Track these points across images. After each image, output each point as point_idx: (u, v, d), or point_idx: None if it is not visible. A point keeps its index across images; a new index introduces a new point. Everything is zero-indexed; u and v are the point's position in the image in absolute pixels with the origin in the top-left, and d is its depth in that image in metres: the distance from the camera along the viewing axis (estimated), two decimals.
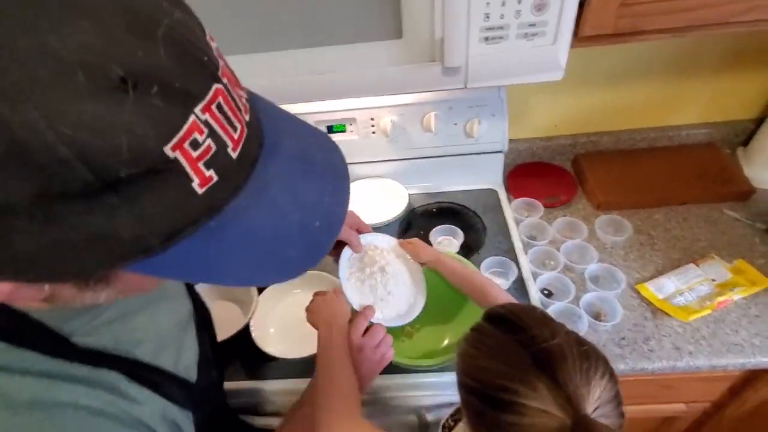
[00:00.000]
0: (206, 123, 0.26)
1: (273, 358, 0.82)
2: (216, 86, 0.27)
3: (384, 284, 0.74)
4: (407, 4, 0.63)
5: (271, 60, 0.69)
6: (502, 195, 1.12)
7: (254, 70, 0.70)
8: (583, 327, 0.82)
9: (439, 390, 0.81)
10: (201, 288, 0.92)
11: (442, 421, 0.75)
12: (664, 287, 0.88)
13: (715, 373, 0.82)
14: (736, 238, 0.97)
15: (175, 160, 0.24)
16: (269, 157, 0.31)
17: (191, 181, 0.25)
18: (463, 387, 0.48)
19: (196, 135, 0.25)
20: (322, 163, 0.36)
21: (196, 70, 0.26)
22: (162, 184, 0.24)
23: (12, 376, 0.33)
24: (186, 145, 0.25)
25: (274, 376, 0.82)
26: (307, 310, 0.72)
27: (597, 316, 0.85)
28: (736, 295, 0.85)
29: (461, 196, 1.13)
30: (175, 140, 0.24)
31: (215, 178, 0.26)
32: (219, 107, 0.27)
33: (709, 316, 0.83)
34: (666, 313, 0.85)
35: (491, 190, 1.14)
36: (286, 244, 0.32)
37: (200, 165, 0.25)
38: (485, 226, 1.05)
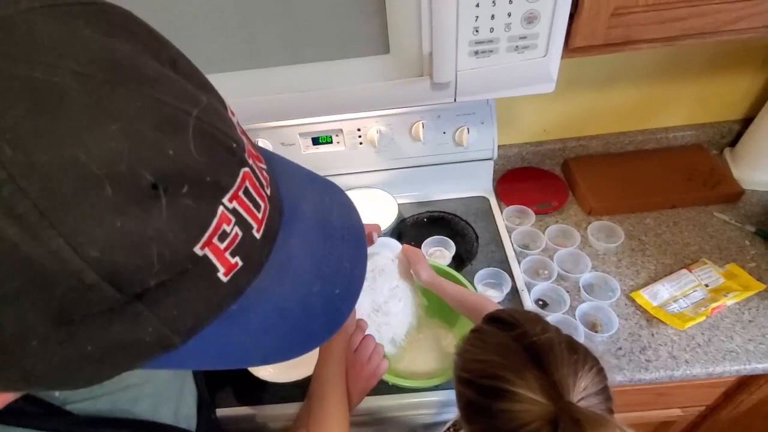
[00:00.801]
0: (234, 211, 0.24)
1: (263, 383, 0.80)
2: (244, 171, 0.25)
3: (385, 301, 0.73)
4: (394, 19, 0.60)
5: (255, 78, 0.66)
6: (493, 202, 1.11)
7: (238, 89, 0.67)
8: (579, 338, 0.81)
9: (434, 409, 0.79)
10: None
11: (444, 429, 0.74)
12: (659, 294, 0.88)
13: (711, 379, 0.81)
14: (727, 241, 0.97)
15: (204, 257, 0.22)
16: (289, 227, 0.29)
17: (217, 271, 0.23)
18: (459, 381, 0.50)
19: (225, 227, 0.23)
20: (340, 225, 0.34)
21: (225, 159, 0.24)
22: (188, 283, 0.22)
23: None
24: (215, 240, 0.23)
25: (265, 401, 0.80)
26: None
27: (593, 327, 0.84)
28: (730, 301, 0.85)
29: (452, 204, 1.12)
30: (204, 238, 0.22)
31: (240, 264, 0.24)
32: (246, 192, 0.25)
33: (704, 323, 0.83)
34: (661, 321, 0.84)
35: (482, 197, 1.12)
36: (309, 318, 0.30)
37: (227, 255, 0.24)
38: (477, 235, 1.04)
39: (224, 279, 0.24)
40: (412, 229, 1.08)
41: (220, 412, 0.78)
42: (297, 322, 0.29)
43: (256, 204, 0.25)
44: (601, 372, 0.45)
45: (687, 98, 1.12)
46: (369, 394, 0.76)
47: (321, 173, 1.12)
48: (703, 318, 0.83)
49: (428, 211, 1.10)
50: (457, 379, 0.51)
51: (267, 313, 0.27)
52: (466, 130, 1.00)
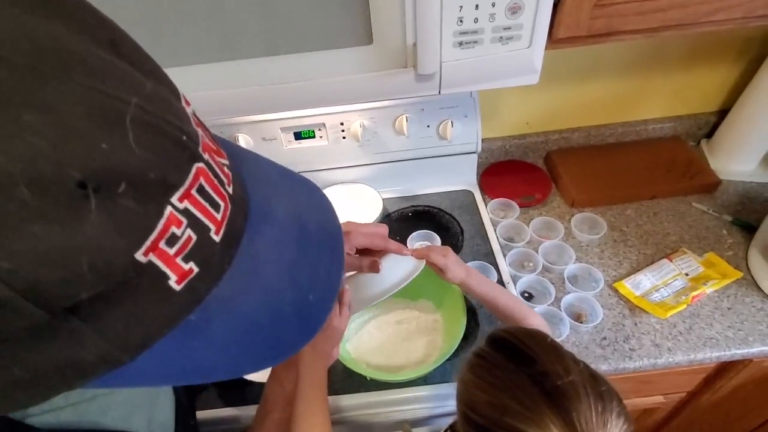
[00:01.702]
0: (185, 212, 0.21)
1: (247, 383, 0.78)
2: (197, 166, 0.22)
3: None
4: (377, 9, 0.59)
5: (231, 69, 0.64)
6: (478, 196, 1.11)
7: (214, 81, 0.64)
8: (564, 330, 0.82)
9: (421, 403, 0.79)
10: None
11: None
12: (641, 284, 0.89)
13: (692, 366, 0.83)
14: (705, 230, 0.99)
15: (149, 264, 0.20)
16: (256, 230, 0.27)
17: (167, 279, 0.21)
18: (465, 419, 0.45)
19: (174, 229, 0.20)
20: (316, 228, 0.31)
21: (173, 154, 0.21)
22: (132, 293, 0.20)
23: None
24: (162, 244, 0.20)
25: (250, 402, 0.78)
26: None
27: (578, 318, 0.85)
28: (709, 289, 0.87)
29: (436, 198, 1.11)
30: (148, 244, 0.19)
31: (195, 270, 0.22)
32: (200, 190, 0.22)
33: (685, 311, 0.85)
34: (644, 311, 0.85)
35: (466, 191, 1.12)
36: (280, 328, 0.27)
37: (178, 260, 0.21)
38: (462, 228, 1.04)
39: (177, 287, 0.21)
40: (397, 223, 1.07)
41: (204, 414, 0.76)
42: (267, 333, 0.26)
43: (214, 204, 0.23)
44: (624, 413, 0.41)
45: (665, 91, 1.14)
46: (352, 391, 0.77)
47: (303, 168, 1.10)
48: (684, 306, 0.85)
49: (413, 206, 1.09)
50: (461, 413, 0.47)
51: (232, 324, 0.24)
52: (450, 124, 0.99)
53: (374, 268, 0.64)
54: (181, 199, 0.21)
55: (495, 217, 1.05)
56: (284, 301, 0.27)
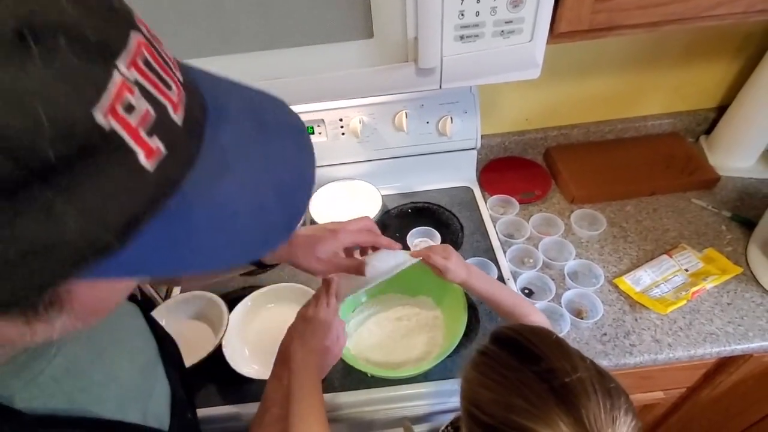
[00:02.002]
0: (136, 82, 0.21)
1: (247, 380, 0.78)
2: (135, 35, 0.22)
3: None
4: (377, 2, 0.58)
5: (231, 64, 0.63)
6: (477, 192, 1.11)
7: None
8: (565, 326, 0.82)
9: (422, 400, 0.79)
10: (165, 308, 0.86)
11: (441, 428, 0.73)
12: (641, 280, 0.89)
13: (693, 362, 0.83)
14: (704, 226, 0.99)
15: (112, 132, 0.20)
16: (217, 124, 0.27)
17: (135, 154, 0.21)
18: (470, 417, 0.45)
19: (128, 96, 0.21)
20: (275, 121, 0.32)
21: (106, 15, 0.21)
22: (102, 165, 0.20)
23: None
24: (119, 109, 0.20)
25: (250, 399, 0.77)
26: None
27: (578, 314, 0.85)
28: (709, 284, 0.87)
29: (436, 195, 1.11)
30: (103, 102, 0.19)
31: (163, 150, 0.22)
32: (146, 63, 0.22)
33: (685, 307, 0.85)
34: (644, 306, 0.85)
35: (466, 187, 1.12)
36: (263, 213, 0.27)
37: (142, 133, 0.21)
38: (462, 225, 1.03)
39: (148, 166, 0.21)
40: (397, 220, 1.06)
41: (204, 411, 0.76)
42: (250, 220, 0.27)
43: (164, 82, 0.23)
44: (632, 410, 0.41)
45: (664, 87, 1.14)
46: (353, 388, 0.76)
47: None
48: (684, 302, 0.85)
49: (412, 202, 1.09)
50: (466, 411, 0.46)
51: (213, 212, 0.25)
52: (449, 120, 0.99)
53: (360, 271, 0.63)
54: (128, 67, 0.21)
55: (495, 213, 1.04)
56: (260, 186, 0.28)
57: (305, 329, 0.62)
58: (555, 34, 0.66)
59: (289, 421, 0.54)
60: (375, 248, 0.67)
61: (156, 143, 0.22)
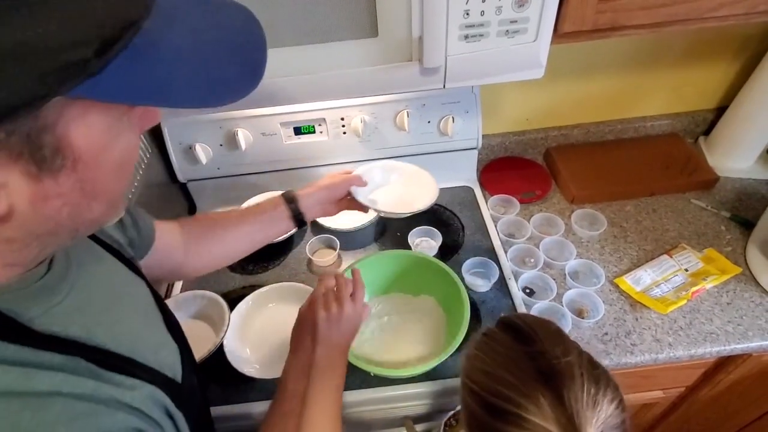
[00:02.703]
0: None
1: (250, 380, 0.77)
2: None
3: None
4: (383, 1, 0.58)
5: None
6: (478, 192, 1.11)
7: None
8: (567, 325, 0.82)
9: (424, 399, 0.79)
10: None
11: (444, 419, 0.73)
12: (641, 280, 0.90)
13: (692, 361, 0.84)
14: (704, 226, 1.00)
15: None
16: None
17: None
18: (465, 388, 0.48)
19: None
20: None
21: None
22: None
23: None
24: None
25: (252, 398, 0.77)
26: (301, 313, 0.64)
27: (579, 313, 0.85)
28: (709, 284, 0.87)
29: None
30: None
31: None
32: None
33: (685, 306, 0.85)
34: (645, 306, 0.86)
35: (467, 187, 1.12)
36: (220, 62, 0.32)
37: None
38: (463, 225, 1.04)
39: None
40: (397, 219, 1.06)
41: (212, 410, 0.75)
42: (207, 66, 0.31)
43: None
44: (621, 403, 0.42)
45: (663, 88, 1.14)
46: (355, 388, 0.76)
47: (303, 164, 1.11)
48: (684, 302, 0.85)
49: None
50: (463, 384, 0.49)
51: (169, 51, 0.29)
52: (451, 119, 0.99)
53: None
54: None
55: (495, 213, 1.05)
56: (212, 38, 0.32)
57: (330, 331, 0.60)
58: (559, 34, 0.66)
59: (304, 418, 0.53)
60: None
61: None
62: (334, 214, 0.79)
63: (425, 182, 0.86)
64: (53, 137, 0.26)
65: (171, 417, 0.42)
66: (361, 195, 0.77)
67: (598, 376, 0.43)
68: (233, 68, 0.33)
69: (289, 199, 0.72)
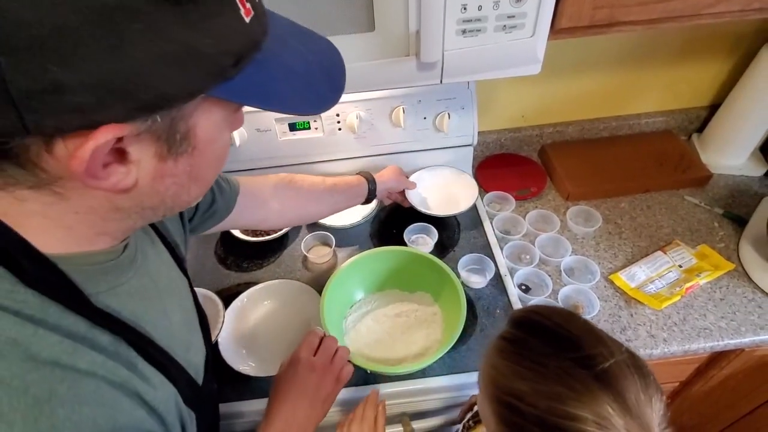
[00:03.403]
0: None
1: (245, 377, 0.77)
2: None
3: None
4: None
5: None
6: None
7: None
8: None
9: (421, 396, 0.78)
10: None
11: (464, 421, 0.72)
12: (636, 276, 0.90)
13: (686, 356, 0.84)
14: (697, 223, 1.01)
15: None
16: (272, 20, 0.36)
17: (239, 9, 0.30)
18: (508, 407, 0.44)
19: None
20: (308, 30, 0.41)
21: None
22: (222, 7, 0.29)
23: (37, 329, 0.31)
24: None
25: (247, 397, 0.77)
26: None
27: (575, 309, 0.86)
28: (702, 280, 0.88)
29: None
30: None
31: (252, 12, 0.31)
32: None
33: (679, 302, 0.86)
34: (639, 302, 0.86)
35: None
36: (315, 80, 0.38)
37: None
38: (458, 221, 1.03)
39: (246, 18, 0.31)
40: (393, 216, 1.06)
41: None
42: (305, 82, 0.37)
43: None
44: (660, 388, 0.42)
45: (657, 85, 1.15)
46: (351, 385, 0.76)
47: (298, 161, 1.11)
48: (678, 297, 0.86)
49: None
50: (499, 402, 0.45)
51: (280, 68, 0.34)
52: (446, 116, 0.99)
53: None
54: None
55: (491, 210, 1.05)
56: (311, 62, 0.38)
57: (307, 382, 0.62)
58: (556, 29, 0.66)
59: None
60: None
61: (248, 6, 0.31)
62: (387, 203, 1.02)
63: (465, 183, 1.05)
64: (186, 126, 0.31)
65: (182, 421, 0.44)
66: (414, 197, 0.99)
67: (642, 369, 0.41)
68: (324, 86, 0.39)
69: (369, 180, 0.89)
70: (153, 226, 0.50)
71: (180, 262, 0.54)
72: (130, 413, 0.36)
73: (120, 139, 0.28)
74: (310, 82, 0.37)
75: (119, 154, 0.29)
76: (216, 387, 0.56)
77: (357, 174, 0.89)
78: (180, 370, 0.45)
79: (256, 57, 0.32)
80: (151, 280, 0.45)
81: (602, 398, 0.39)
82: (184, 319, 0.50)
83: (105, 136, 0.27)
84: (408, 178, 1.00)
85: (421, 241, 0.98)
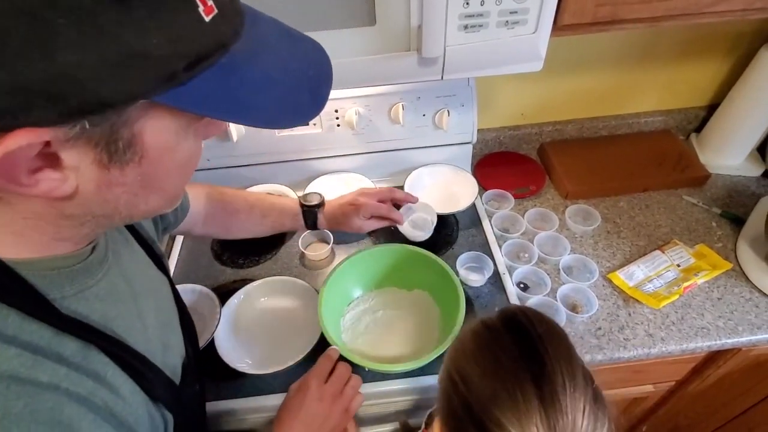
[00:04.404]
0: None
1: (242, 374, 0.76)
2: None
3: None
4: None
5: None
6: None
7: None
8: (561, 320, 0.82)
9: (418, 395, 0.78)
10: None
11: (425, 418, 0.72)
12: (634, 275, 0.90)
13: (684, 355, 0.84)
14: (695, 222, 1.01)
15: None
16: (254, 19, 0.33)
17: (198, 6, 0.27)
18: (450, 381, 0.43)
19: None
20: (297, 33, 0.38)
21: None
22: (175, 3, 0.26)
23: None
24: None
25: (244, 394, 0.76)
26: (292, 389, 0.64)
27: (573, 308, 0.85)
28: (700, 279, 0.88)
29: None
30: None
31: (215, 10, 0.28)
32: None
33: (677, 302, 0.86)
34: (638, 301, 0.86)
35: None
36: (295, 90, 0.34)
37: None
38: (457, 219, 1.03)
39: (206, 17, 0.27)
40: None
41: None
42: (284, 92, 0.33)
43: None
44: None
45: (657, 84, 1.15)
46: None
47: (296, 156, 1.10)
48: (676, 297, 0.86)
49: None
50: (447, 374, 0.45)
51: (255, 75, 0.31)
52: (446, 113, 0.98)
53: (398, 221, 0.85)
54: None
55: (490, 208, 1.04)
56: (292, 68, 0.35)
57: (315, 413, 0.60)
58: (558, 26, 0.66)
59: None
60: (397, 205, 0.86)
61: (210, 4, 0.28)
62: (376, 227, 0.86)
63: (465, 181, 1.04)
64: (129, 133, 0.29)
65: (155, 429, 0.43)
66: (407, 228, 0.88)
67: (597, 412, 0.39)
68: (304, 97, 0.35)
69: (310, 204, 0.82)
70: (128, 224, 0.49)
71: (158, 259, 0.52)
72: (91, 431, 0.34)
73: (48, 144, 0.26)
74: (289, 92, 0.34)
75: (52, 159, 0.27)
76: (199, 388, 0.54)
77: (304, 196, 0.83)
78: (156, 372, 0.43)
79: (220, 61, 0.29)
80: (124, 281, 0.43)
81: (535, 418, 0.38)
82: (161, 320, 0.49)
83: (17, 141, 0.25)
84: (404, 186, 0.99)
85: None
